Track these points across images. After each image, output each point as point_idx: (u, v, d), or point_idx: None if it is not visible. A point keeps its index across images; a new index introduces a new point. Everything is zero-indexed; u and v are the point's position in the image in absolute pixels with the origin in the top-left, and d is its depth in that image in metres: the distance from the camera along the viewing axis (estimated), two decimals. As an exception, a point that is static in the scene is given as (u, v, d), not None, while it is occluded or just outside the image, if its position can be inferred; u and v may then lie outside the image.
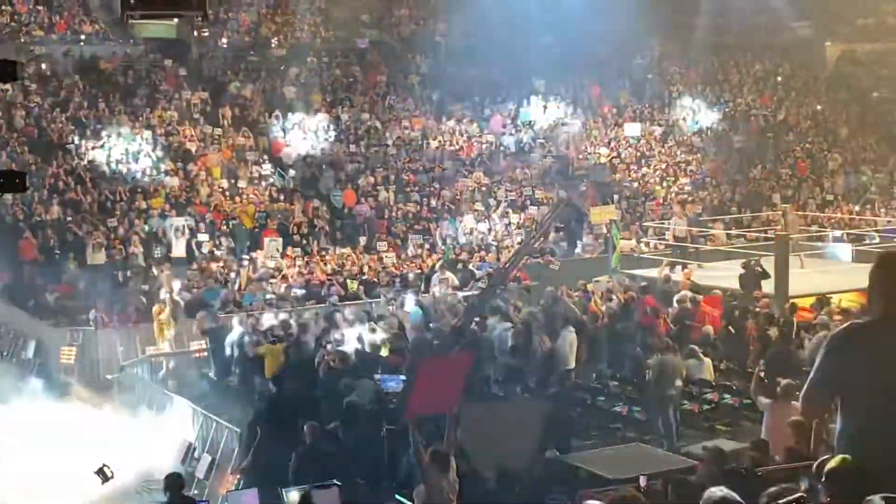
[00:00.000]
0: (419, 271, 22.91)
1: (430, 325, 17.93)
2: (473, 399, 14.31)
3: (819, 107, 37.11)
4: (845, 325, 4.99)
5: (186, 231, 23.39)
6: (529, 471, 11.39)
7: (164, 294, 19.43)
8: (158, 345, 18.76)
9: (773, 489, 5.09)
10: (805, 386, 4.99)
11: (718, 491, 4.71)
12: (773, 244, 21.62)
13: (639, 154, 32.10)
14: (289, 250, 23.56)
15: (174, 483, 10.43)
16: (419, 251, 24.52)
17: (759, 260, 20.43)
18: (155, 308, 19.25)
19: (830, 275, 20.94)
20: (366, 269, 22.96)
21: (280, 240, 23.80)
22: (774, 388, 12.38)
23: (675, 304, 18.58)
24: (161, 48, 30.58)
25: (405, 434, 13.71)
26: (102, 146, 25.95)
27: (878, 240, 24.64)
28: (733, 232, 26.95)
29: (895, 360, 4.66)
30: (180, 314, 19.14)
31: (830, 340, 4.91)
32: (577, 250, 25.69)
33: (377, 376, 15.10)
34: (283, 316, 18.81)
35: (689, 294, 19.20)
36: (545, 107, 33.14)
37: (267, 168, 27.26)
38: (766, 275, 19.62)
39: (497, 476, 8.97)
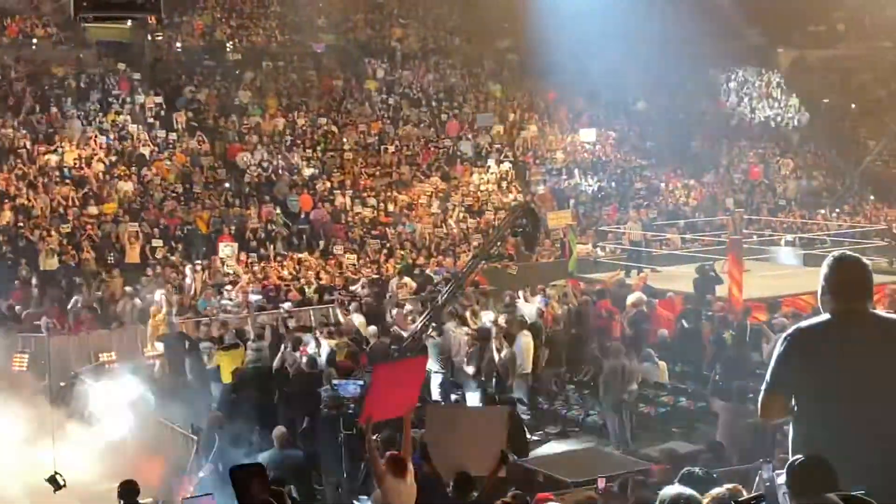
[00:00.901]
0: (377, 276, 22.87)
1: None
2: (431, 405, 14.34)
3: (771, 112, 37.59)
4: (795, 326, 5.03)
5: (140, 236, 23.16)
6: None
7: (158, 295, 19.68)
8: (156, 346, 18.72)
9: (717, 490, 5.12)
10: (762, 392, 5.03)
11: (671, 489, 4.75)
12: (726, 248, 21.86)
13: (594, 159, 32.33)
14: (244, 255, 23.40)
15: (128, 490, 10.30)
16: (377, 256, 24.46)
17: (712, 264, 20.64)
18: (152, 308, 19.42)
19: (782, 278, 21.19)
20: (322, 274, 22.87)
21: (235, 245, 23.65)
22: (729, 391, 12.54)
23: (629, 307, 18.72)
24: (114, 52, 30.31)
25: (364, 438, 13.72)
26: (55, 151, 25.65)
27: (829, 244, 24.99)
28: (688, 236, 27.21)
29: (846, 360, 4.72)
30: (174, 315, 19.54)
31: (782, 343, 4.96)
32: (535, 255, 25.79)
33: (335, 381, 15.05)
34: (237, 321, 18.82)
35: (644, 297, 19.37)
36: (502, 112, 33.30)
37: (222, 173, 27.08)
38: (718, 279, 19.81)
39: (455, 479, 8.98)
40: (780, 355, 4.88)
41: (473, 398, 16.07)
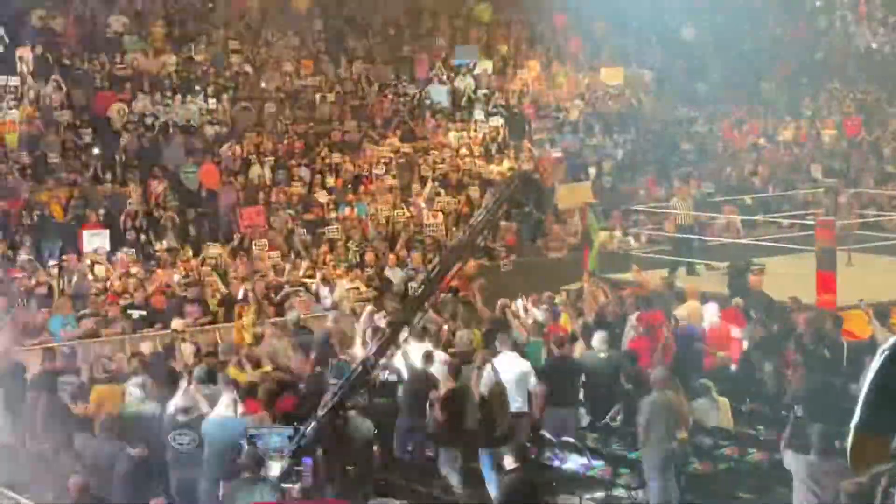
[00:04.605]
0: (310, 278, 22.85)
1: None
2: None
3: (875, 42, 37.82)
4: (896, 338, 5.01)
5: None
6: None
7: (241, 291, 21.51)
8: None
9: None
10: (851, 431, 5.02)
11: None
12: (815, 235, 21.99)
13: (623, 110, 32.40)
14: (120, 252, 23.26)
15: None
16: (312, 251, 24.39)
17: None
18: (237, 309, 20.60)
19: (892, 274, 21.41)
20: (232, 278, 22.77)
21: (106, 233, 23.54)
22: (808, 438, 12.55)
23: (677, 321, 18.78)
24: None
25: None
26: None
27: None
28: (758, 218, 27.28)
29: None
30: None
31: (881, 363, 4.95)
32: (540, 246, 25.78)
33: (252, 431, 14.99)
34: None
35: (699, 306, 19.45)
36: (490, 43, 33.36)
37: (87, 134, 26.94)
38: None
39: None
40: (879, 379, 4.87)
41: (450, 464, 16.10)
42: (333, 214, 25.93)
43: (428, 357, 17.06)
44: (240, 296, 21.47)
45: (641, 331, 18.47)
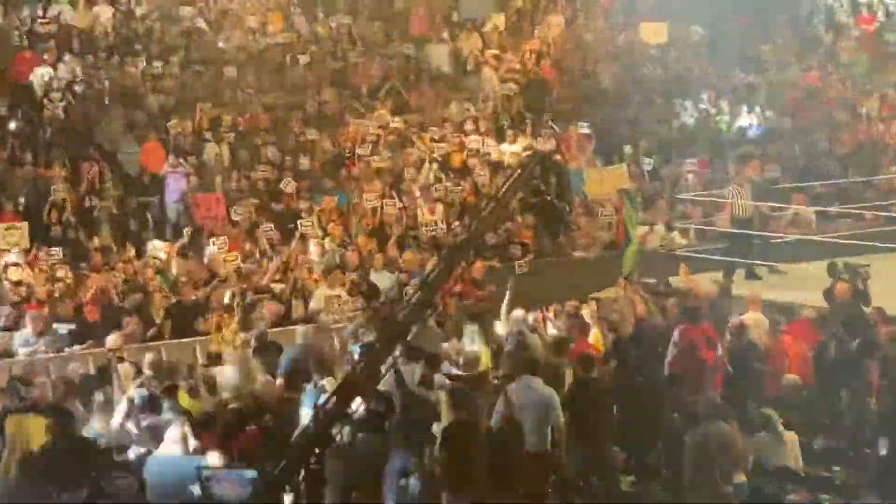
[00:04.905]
0: (280, 283, 22.87)
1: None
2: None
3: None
4: None
5: None
6: None
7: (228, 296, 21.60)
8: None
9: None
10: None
11: None
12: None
13: (668, 75, 32.41)
14: (41, 252, 23.26)
15: None
16: (280, 250, 24.38)
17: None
18: (214, 319, 20.94)
19: None
20: (181, 284, 22.77)
21: (26, 227, 23.52)
22: None
23: (731, 335, 18.75)
24: None
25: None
26: None
27: None
28: (833, 209, 27.24)
29: None
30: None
31: None
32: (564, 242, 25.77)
33: (206, 472, 14.98)
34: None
35: (762, 318, 19.42)
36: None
37: (2, 104, 26.94)
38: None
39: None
40: None
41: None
42: (307, 205, 25.84)
43: (426, 381, 17.01)
44: (225, 300, 21.51)
45: (685, 348, 18.40)
